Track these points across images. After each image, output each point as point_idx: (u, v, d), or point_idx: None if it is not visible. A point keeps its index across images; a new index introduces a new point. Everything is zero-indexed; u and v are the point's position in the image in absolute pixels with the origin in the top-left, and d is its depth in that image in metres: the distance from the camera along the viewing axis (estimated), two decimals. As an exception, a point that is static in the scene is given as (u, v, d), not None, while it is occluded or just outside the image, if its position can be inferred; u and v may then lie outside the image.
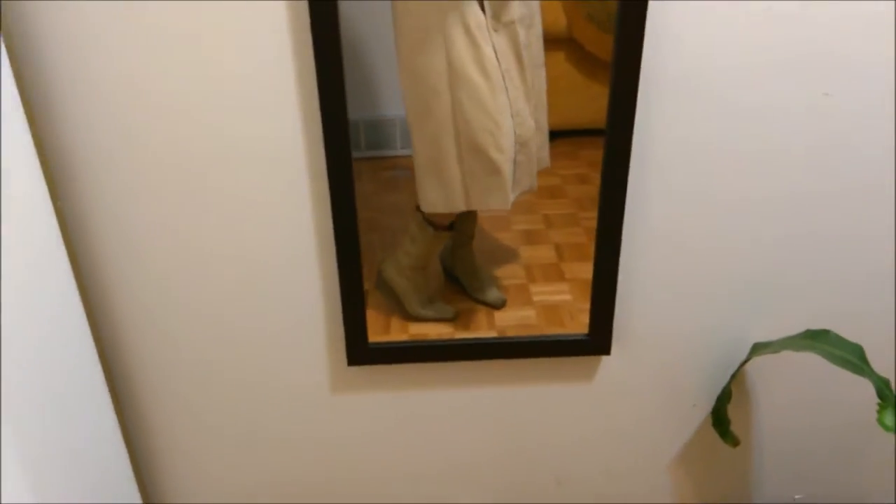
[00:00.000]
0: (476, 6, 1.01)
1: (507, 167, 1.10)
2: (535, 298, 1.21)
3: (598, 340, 1.23)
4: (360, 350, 1.23)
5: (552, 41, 1.02)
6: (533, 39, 1.05)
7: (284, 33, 0.99)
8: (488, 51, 1.03)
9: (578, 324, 1.22)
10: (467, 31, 1.01)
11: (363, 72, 1.03)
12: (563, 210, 1.12)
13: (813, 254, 1.20)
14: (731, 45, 1.02)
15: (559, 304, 1.21)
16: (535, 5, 1.03)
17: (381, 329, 1.22)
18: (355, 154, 1.06)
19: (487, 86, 1.05)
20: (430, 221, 1.17)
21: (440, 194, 1.12)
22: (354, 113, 1.03)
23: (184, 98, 1.04)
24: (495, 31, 1.03)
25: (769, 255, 1.20)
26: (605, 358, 1.29)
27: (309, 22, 0.95)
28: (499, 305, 1.23)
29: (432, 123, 1.08)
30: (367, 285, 1.18)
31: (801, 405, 1.37)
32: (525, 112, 1.08)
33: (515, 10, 1.03)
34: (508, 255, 1.19)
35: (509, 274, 1.20)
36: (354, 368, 1.28)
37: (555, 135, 1.07)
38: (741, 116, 1.08)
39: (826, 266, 1.22)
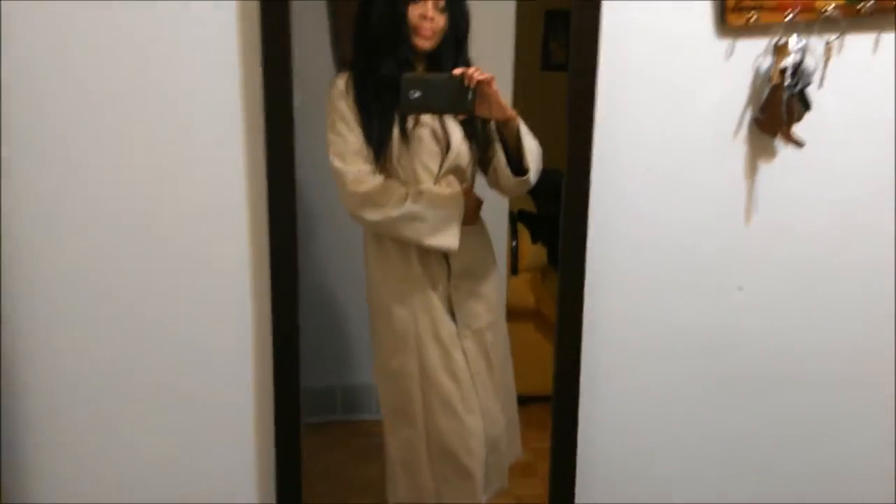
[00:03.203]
0: (447, 317, 1.09)
1: (478, 471, 1.09)
2: None
3: None
4: None
5: (521, 314, 1.13)
6: (500, 339, 1.12)
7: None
8: (458, 356, 1.09)
9: None
10: (439, 340, 1.08)
11: (341, 340, 1.09)
12: (534, 490, 1.10)
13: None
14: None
15: None
16: (501, 311, 1.12)
17: None
18: (331, 418, 1.08)
19: (458, 390, 1.08)
20: None
21: (411, 493, 1.10)
22: (331, 379, 1.08)
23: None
24: (465, 337, 1.09)
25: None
26: None
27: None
28: None
29: (405, 426, 1.10)
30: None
31: None
32: (495, 409, 1.11)
33: (483, 318, 1.11)
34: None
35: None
36: None
37: (524, 400, 1.11)
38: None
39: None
